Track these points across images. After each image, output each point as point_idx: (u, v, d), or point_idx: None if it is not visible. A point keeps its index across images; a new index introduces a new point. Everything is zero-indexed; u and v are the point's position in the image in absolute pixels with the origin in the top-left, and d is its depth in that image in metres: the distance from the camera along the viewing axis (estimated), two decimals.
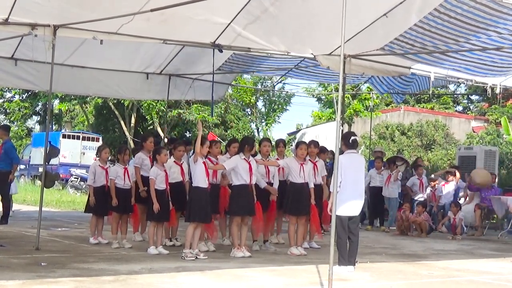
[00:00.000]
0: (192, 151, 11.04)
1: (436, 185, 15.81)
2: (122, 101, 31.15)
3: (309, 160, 10.15)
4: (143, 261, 8.39)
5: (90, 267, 7.69)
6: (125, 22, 8.31)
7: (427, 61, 10.88)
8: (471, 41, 9.78)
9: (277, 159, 10.51)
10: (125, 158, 9.92)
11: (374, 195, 15.19)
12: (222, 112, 33.41)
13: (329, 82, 20.26)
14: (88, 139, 29.97)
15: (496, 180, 16.55)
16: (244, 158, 9.17)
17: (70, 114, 40.78)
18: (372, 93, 26.29)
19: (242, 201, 9.13)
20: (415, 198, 15.41)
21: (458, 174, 15.87)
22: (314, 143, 10.79)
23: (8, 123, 38.16)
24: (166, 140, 16.15)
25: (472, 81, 12.21)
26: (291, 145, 33.24)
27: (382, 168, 15.41)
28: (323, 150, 14.04)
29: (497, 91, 12.04)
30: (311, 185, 9.81)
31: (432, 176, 16.46)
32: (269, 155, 10.38)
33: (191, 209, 8.83)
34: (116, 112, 32.76)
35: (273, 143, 15.33)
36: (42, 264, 7.75)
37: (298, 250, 9.61)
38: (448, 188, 15.58)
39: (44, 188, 10.41)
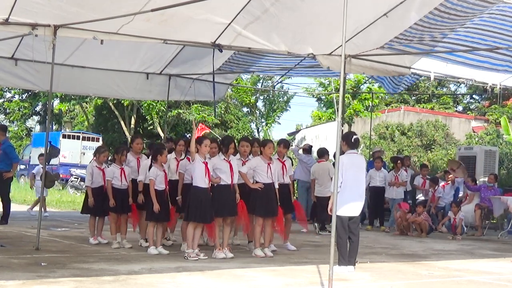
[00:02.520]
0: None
1: (436, 186, 15.83)
2: (122, 101, 31.16)
3: (277, 159, 10.04)
4: (143, 261, 8.39)
5: (90, 267, 7.69)
6: (125, 23, 8.31)
7: (426, 51, 10.82)
8: (470, 37, 9.78)
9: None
10: (122, 158, 9.92)
11: (374, 195, 15.20)
12: (222, 112, 33.42)
13: (330, 77, 20.25)
14: (88, 139, 29.98)
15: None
16: (224, 158, 9.10)
17: (70, 114, 40.79)
18: (372, 93, 26.31)
19: (223, 202, 9.00)
20: (417, 198, 15.47)
21: (452, 175, 15.88)
22: (285, 142, 10.64)
23: (8, 123, 38.20)
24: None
25: (472, 81, 12.20)
26: (292, 145, 33.25)
27: (382, 168, 15.44)
28: (325, 152, 14.07)
29: (497, 90, 12.04)
30: (276, 186, 9.65)
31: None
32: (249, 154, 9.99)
33: (190, 209, 8.82)
34: (116, 112, 32.77)
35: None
36: (42, 264, 7.75)
37: (262, 252, 9.38)
38: (447, 188, 15.59)
39: (44, 188, 10.42)
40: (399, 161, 15.62)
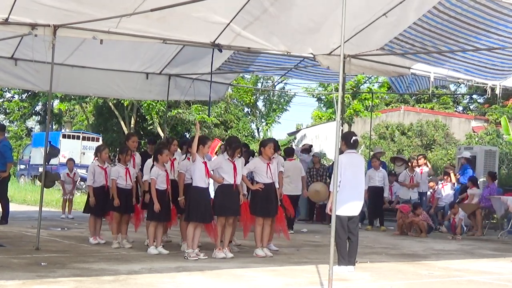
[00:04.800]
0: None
1: (436, 186, 15.82)
2: (122, 101, 31.17)
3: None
4: (143, 261, 8.39)
5: (90, 267, 7.69)
6: (125, 18, 8.30)
7: (427, 60, 10.89)
8: (471, 42, 9.80)
9: None
10: (127, 158, 9.90)
11: (373, 195, 15.13)
12: (222, 112, 33.42)
13: (330, 82, 20.24)
14: (88, 139, 29.98)
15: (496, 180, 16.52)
16: (228, 158, 9.10)
17: (70, 113, 40.81)
18: (372, 93, 26.27)
19: (226, 202, 9.02)
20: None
21: (453, 177, 15.87)
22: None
23: (7, 123, 38.18)
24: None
25: (472, 82, 12.22)
26: (291, 145, 33.26)
27: (381, 168, 15.38)
28: (293, 151, 14.06)
29: (497, 91, 12.04)
30: (277, 185, 9.64)
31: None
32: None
33: (190, 209, 8.82)
34: (116, 112, 32.77)
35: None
36: (42, 264, 7.75)
37: (263, 252, 9.40)
38: (447, 189, 15.59)
39: (44, 188, 10.41)
40: (414, 161, 15.55)
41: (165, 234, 10.39)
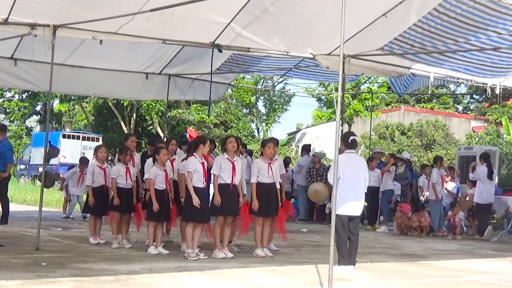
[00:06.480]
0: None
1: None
2: (122, 101, 31.17)
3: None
4: (143, 261, 8.39)
5: (90, 267, 7.69)
6: (125, 23, 8.32)
7: (427, 61, 10.90)
8: (471, 42, 9.81)
9: None
10: (127, 158, 9.90)
11: (368, 195, 14.96)
12: (222, 112, 33.41)
13: (329, 82, 20.25)
14: (88, 139, 29.99)
15: (496, 180, 16.52)
16: (227, 158, 9.11)
17: (70, 113, 40.81)
18: (372, 93, 26.26)
19: (224, 201, 8.99)
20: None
21: (449, 181, 15.84)
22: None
23: (8, 123, 38.18)
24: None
25: (472, 81, 12.23)
26: (291, 145, 33.28)
27: (376, 168, 15.33)
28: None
29: (497, 91, 12.05)
30: (278, 186, 9.59)
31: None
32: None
33: (188, 209, 8.82)
34: (116, 112, 32.77)
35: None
36: (42, 264, 7.75)
37: (263, 252, 9.40)
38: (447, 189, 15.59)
39: (44, 188, 10.42)
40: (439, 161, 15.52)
41: (167, 234, 10.40)
